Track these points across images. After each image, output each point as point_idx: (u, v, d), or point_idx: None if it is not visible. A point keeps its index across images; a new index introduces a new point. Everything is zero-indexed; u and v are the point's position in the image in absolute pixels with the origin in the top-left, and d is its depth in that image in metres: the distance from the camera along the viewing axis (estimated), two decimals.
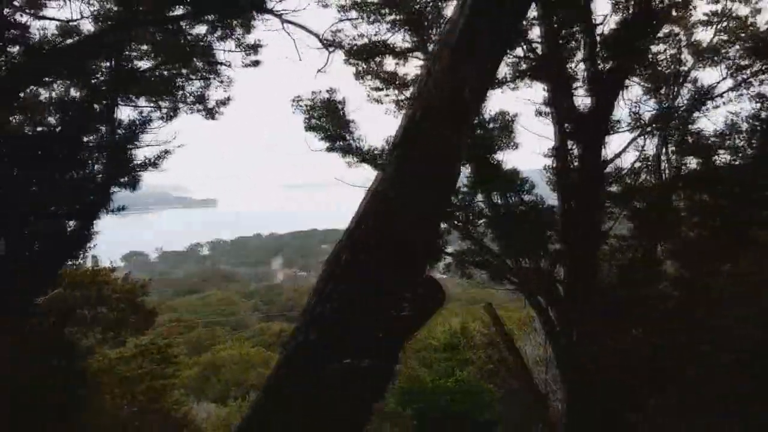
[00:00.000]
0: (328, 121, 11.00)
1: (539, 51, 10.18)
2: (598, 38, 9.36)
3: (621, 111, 10.22)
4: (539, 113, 10.73)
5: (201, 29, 9.27)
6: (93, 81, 9.19)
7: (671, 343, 8.73)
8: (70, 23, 8.98)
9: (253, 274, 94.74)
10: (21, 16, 8.26)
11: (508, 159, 11.03)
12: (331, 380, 2.16)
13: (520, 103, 12.21)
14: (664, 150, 10.84)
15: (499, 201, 10.92)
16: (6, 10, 7.29)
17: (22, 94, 7.76)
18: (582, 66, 9.97)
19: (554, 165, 10.76)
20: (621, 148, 10.32)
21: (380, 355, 2.22)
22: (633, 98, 10.30)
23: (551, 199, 11.26)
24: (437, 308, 2.37)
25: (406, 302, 2.29)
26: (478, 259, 11.05)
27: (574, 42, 9.77)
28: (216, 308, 56.25)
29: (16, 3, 8.60)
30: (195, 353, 35.74)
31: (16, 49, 7.83)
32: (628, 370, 8.83)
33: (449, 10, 9.88)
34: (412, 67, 10.79)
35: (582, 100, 10.09)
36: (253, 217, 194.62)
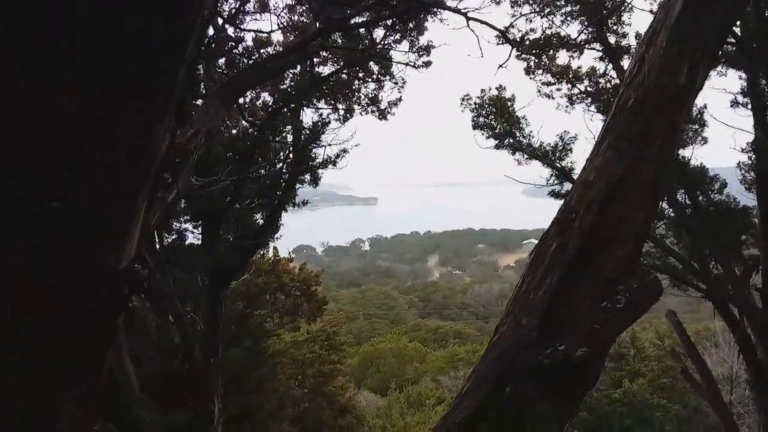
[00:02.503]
0: (497, 118, 10.91)
1: (737, 33, 9.15)
2: None
3: None
4: (735, 103, 9.66)
5: (378, 33, 9.77)
6: (283, 86, 10.12)
7: None
8: (263, 34, 9.99)
9: (410, 271, 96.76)
10: (226, 28, 9.32)
11: (695, 155, 10.09)
12: (544, 367, 2.18)
13: (711, 93, 11.08)
14: None
15: (685, 200, 10.02)
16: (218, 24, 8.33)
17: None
18: None
19: (753, 162, 9.63)
20: None
21: (593, 347, 2.19)
22: None
23: (747, 199, 10.11)
24: (653, 302, 2.28)
25: (620, 295, 2.24)
26: (658, 263, 10.23)
27: None
28: (375, 302, 58.60)
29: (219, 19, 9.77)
30: (356, 343, 37.62)
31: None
32: None
33: None
34: (590, 59, 10.31)
35: None
36: (411, 215, 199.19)
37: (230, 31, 9.29)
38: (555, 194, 10.38)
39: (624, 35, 9.98)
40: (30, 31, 0.86)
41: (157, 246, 10.70)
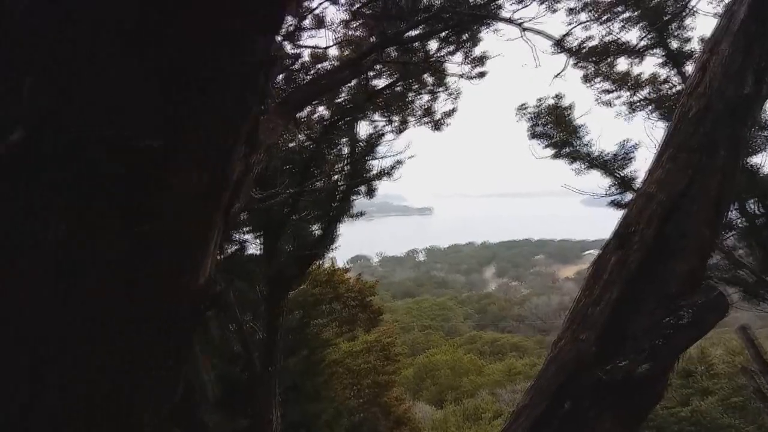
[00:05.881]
0: (555, 127, 10.74)
1: None
2: None
3: None
4: None
5: (432, 45, 9.84)
6: (338, 100, 10.34)
7: None
8: (319, 50, 10.23)
9: (466, 282, 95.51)
10: (283, 45, 9.60)
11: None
12: (604, 384, 2.15)
13: None
14: None
15: (756, 210, 9.55)
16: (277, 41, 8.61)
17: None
18: None
19: None
20: None
21: (655, 363, 2.15)
22: None
23: None
24: (719, 319, 2.21)
25: (684, 311, 2.18)
26: (728, 276, 9.76)
27: None
28: (430, 313, 58.20)
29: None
30: (411, 354, 37.45)
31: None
32: None
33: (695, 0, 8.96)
34: (651, 66, 10.01)
35: None
36: (467, 225, 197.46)
37: (288, 47, 9.58)
38: (615, 204, 10.10)
39: (687, 40, 9.64)
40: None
41: (219, 257, 11.06)
